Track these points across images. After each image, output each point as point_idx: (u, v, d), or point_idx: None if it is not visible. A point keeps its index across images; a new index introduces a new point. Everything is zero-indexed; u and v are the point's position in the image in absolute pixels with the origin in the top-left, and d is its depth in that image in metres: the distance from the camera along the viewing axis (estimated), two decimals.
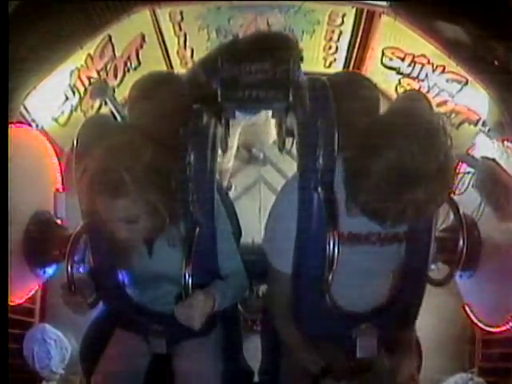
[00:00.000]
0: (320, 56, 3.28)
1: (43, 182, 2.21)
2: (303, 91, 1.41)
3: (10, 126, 2.00)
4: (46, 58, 2.44)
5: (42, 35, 2.33)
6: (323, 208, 1.28)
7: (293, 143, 1.73)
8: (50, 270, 2.15)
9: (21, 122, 2.30)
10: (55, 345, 2.41)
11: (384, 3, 2.87)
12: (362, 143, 1.15)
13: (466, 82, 2.65)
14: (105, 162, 1.22)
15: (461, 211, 1.60)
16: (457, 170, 2.15)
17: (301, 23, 3.11)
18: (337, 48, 3.24)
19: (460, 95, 2.72)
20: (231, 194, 2.95)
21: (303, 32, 3.14)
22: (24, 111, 2.42)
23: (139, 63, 3.19)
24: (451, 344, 2.50)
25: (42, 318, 2.53)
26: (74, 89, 2.80)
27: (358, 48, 3.18)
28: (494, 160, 1.98)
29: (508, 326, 1.91)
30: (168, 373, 1.53)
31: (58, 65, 2.60)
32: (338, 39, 3.19)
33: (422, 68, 2.90)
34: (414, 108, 1.19)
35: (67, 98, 2.79)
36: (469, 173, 2.03)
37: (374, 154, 1.10)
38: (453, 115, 2.78)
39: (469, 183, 2.02)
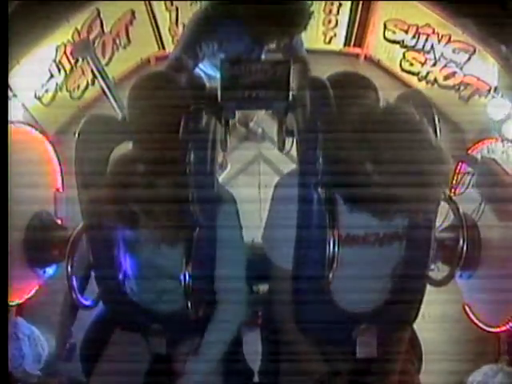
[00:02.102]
0: (320, 31, 3.18)
1: (43, 181, 2.20)
2: (303, 91, 1.41)
3: (10, 125, 2.00)
4: (31, 31, 2.33)
5: (26, 6, 2.20)
6: (323, 207, 1.28)
7: (293, 143, 1.73)
8: (50, 270, 2.14)
9: None
10: (29, 342, 2.18)
11: None
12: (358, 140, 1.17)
13: (474, 51, 2.55)
14: (113, 193, 1.27)
15: (461, 211, 1.60)
16: (457, 170, 2.15)
17: None
18: (337, 22, 3.14)
19: (468, 65, 2.62)
20: (227, 172, 2.84)
21: None
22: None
23: (129, 41, 3.07)
24: (478, 334, 2.40)
25: (18, 313, 2.33)
26: (59, 65, 2.68)
27: (359, 22, 3.08)
28: (494, 160, 1.98)
29: (508, 326, 1.90)
30: (168, 373, 1.53)
31: (43, 39, 2.49)
32: (338, 12, 3.09)
33: (426, 39, 2.80)
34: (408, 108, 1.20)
35: (52, 76, 2.68)
36: (469, 173, 2.03)
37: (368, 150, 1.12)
38: (462, 87, 2.68)
39: (469, 183, 2.01)
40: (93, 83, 2.95)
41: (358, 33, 3.15)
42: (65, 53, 2.69)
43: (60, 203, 2.16)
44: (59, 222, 2.14)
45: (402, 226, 1.34)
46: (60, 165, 2.28)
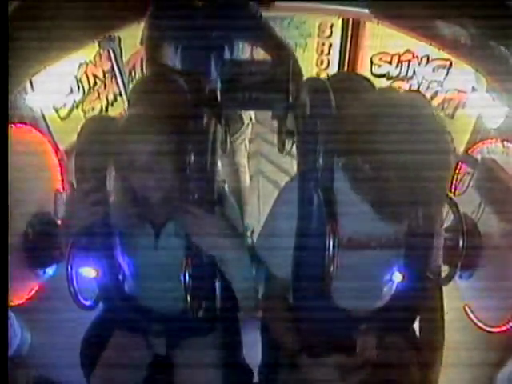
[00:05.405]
0: (313, 72, 3.32)
1: (43, 181, 2.21)
2: (303, 91, 1.41)
3: (10, 125, 2.00)
4: (62, 41, 2.30)
5: (58, 15, 2.25)
6: (323, 208, 1.28)
7: (293, 143, 1.73)
8: (49, 270, 2.15)
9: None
10: None
11: (365, 10, 2.83)
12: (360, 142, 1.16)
13: (451, 65, 2.63)
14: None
15: (461, 211, 1.60)
16: (457, 170, 2.15)
17: (294, 36, 3.16)
18: (328, 62, 3.29)
19: (448, 80, 2.69)
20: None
21: (296, 45, 3.17)
22: (29, 87, 2.30)
23: (143, 75, 3.07)
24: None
25: None
26: (79, 83, 2.74)
27: (349, 59, 3.22)
28: (493, 160, 1.98)
29: (508, 326, 1.91)
30: (168, 373, 1.53)
31: (70, 52, 2.50)
32: (329, 52, 3.24)
33: (408, 65, 2.91)
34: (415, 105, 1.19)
35: (71, 91, 2.71)
36: (469, 173, 2.03)
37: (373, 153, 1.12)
38: (445, 105, 2.74)
39: (469, 183, 2.02)
40: (106, 110, 3.02)
41: (348, 71, 3.24)
42: (85, 72, 2.75)
43: (60, 204, 2.16)
44: (59, 222, 2.15)
45: (403, 232, 1.34)
46: (60, 166, 2.29)
